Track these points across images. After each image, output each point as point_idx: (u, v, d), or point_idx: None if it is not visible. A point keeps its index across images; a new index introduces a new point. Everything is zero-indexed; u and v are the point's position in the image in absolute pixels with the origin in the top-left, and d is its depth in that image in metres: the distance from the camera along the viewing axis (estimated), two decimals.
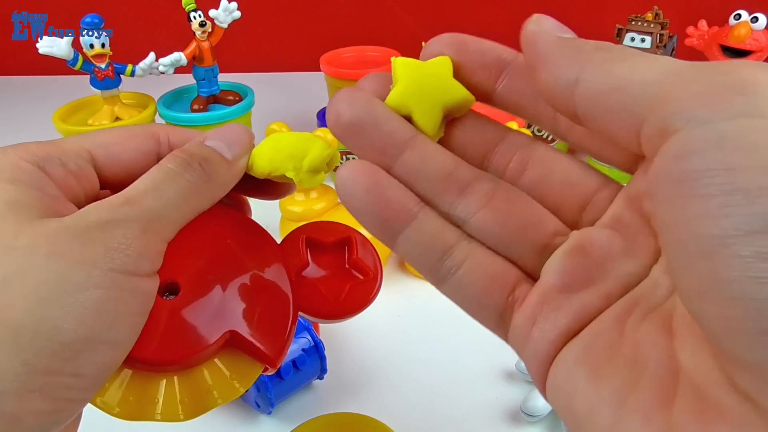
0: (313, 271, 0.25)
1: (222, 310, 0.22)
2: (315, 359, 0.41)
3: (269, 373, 0.22)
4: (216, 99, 0.66)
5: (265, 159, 0.24)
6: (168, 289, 0.22)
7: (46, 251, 0.18)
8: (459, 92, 0.21)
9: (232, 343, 0.22)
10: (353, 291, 0.25)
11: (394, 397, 0.42)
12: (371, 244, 0.26)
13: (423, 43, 0.22)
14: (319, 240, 0.26)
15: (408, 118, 0.21)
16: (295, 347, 0.40)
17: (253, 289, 0.23)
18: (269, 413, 0.41)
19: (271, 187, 0.25)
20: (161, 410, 0.21)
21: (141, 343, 0.20)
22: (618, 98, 0.16)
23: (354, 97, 0.20)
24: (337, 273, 0.25)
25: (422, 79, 0.21)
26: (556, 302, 0.18)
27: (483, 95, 0.21)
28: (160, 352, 0.21)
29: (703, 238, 0.13)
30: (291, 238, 0.25)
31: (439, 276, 0.20)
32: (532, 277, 0.20)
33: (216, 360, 0.22)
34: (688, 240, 0.14)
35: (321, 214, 0.51)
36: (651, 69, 0.16)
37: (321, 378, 0.43)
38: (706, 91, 0.14)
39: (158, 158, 0.22)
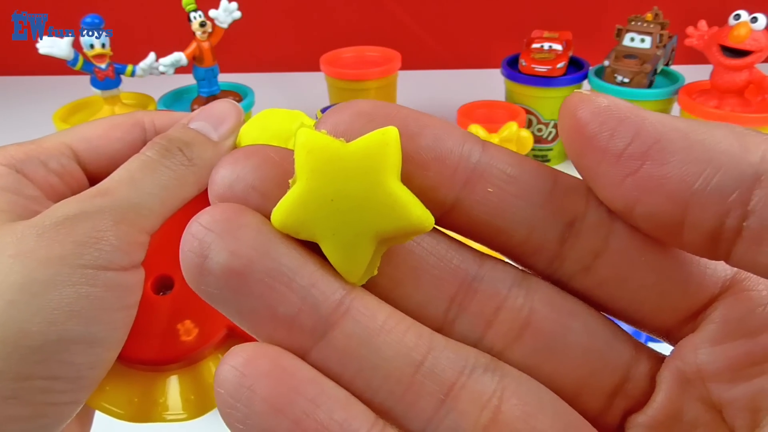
0: None
1: None
2: None
3: None
4: (216, 99, 0.66)
5: (250, 138, 0.22)
6: (162, 283, 0.22)
7: (12, 252, 0.17)
8: (408, 209, 0.12)
9: (233, 336, 0.22)
10: None
11: None
12: None
13: (318, 113, 0.13)
14: None
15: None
16: None
17: None
18: None
19: None
20: (166, 410, 0.21)
21: (138, 343, 0.20)
22: None
23: (235, 223, 0.12)
24: None
25: (343, 179, 0.12)
26: None
27: (438, 207, 0.13)
28: (159, 351, 0.21)
29: None
30: None
31: None
32: None
33: (219, 355, 0.22)
34: None
35: None
36: None
37: None
38: None
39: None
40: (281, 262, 0.12)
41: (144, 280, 0.20)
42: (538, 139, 0.70)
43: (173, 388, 0.21)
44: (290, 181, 0.12)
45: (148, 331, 0.21)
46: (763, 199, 0.11)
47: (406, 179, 0.12)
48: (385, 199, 0.12)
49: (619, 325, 0.14)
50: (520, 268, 0.14)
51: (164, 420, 0.21)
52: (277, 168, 0.13)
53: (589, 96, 0.12)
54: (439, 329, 0.13)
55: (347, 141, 0.12)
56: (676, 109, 0.64)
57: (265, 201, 0.12)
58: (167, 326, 0.21)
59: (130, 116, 0.23)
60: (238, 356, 0.11)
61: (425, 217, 0.12)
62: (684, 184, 0.11)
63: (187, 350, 0.21)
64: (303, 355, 0.12)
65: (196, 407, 0.21)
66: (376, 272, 0.13)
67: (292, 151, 0.12)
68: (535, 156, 0.72)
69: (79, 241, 0.18)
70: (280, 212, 0.12)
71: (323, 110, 0.66)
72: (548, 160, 0.72)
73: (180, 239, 0.21)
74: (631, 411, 0.14)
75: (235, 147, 0.22)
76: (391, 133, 0.12)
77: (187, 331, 0.21)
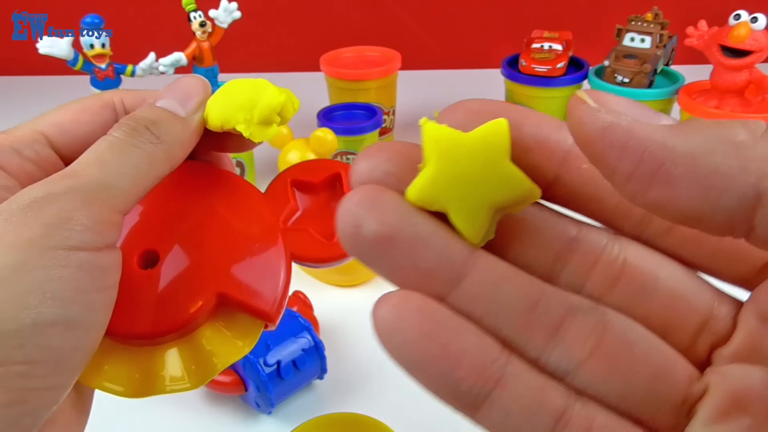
0: (303, 214, 0.24)
1: (208, 272, 0.21)
2: (315, 359, 0.41)
3: (271, 329, 0.22)
4: None
5: (217, 110, 0.22)
6: (149, 259, 0.22)
7: None
8: (519, 183, 0.15)
9: (226, 303, 0.21)
10: None
11: (394, 397, 0.42)
12: None
13: (435, 113, 0.16)
14: (306, 180, 0.25)
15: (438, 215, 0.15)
16: (295, 347, 0.40)
17: (239, 245, 0.22)
18: (269, 413, 0.41)
19: (233, 140, 0.23)
20: (168, 382, 0.21)
21: (131, 319, 0.20)
22: None
23: (379, 200, 0.15)
24: (329, 212, 0.24)
25: (465, 161, 0.15)
26: None
27: (541, 183, 0.15)
28: (153, 324, 0.20)
29: None
30: (276, 183, 0.24)
31: None
32: None
33: (215, 322, 0.22)
34: None
35: None
36: None
37: (321, 378, 0.43)
38: None
39: None
40: (419, 228, 0.15)
41: (122, 260, 0.19)
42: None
43: (173, 359, 0.21)
44: (419, 166, 0.15)
45: (139, 307, 0.21)
46: (765, 218, 0.12)
47: (515, 160, 0.15)
48: (500, 175, 0.15)
49: (700, 276, 0.16)
50: (612, 231, 0.16)
51: (167, 391, 0.21)
52: (406, 157, 0.16)
53: (593, 111, 0.13)
54: (546, 280, 0.16)
55: (464, 132, 0.15)
56: (676, 109, 0.64)
57: (399, 183, 0.15)
58: (158, 300, 0.21)
59: (99, 98, 0.23)
60: (391, 299, 0.15)
61: (534, 190, 0.15)
62: (691, 205, 0.13)
63: (182, 321, 0.21)
64: (441, 300, 0.15)
65: (198, 376, 0.21)
66: (493, 235, 0.15)
67: (417, 144, 0.16)
68: None
69: (47, 223, 0.17)
70: (414, 190, 0.15)
71: (321, 113, 0.66)
72: None
73: (167, 214, 0.21)
74: (716, 346, 0.16)
75: (203, 120, 0.22)
76: (503, 123, 0.15)
77: (193, 301, 0.21)
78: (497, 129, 0.15)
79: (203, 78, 0.23)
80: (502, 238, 0.16)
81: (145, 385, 0.21)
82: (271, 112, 0.22)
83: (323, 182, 0.25)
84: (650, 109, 0.14)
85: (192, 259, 0.21)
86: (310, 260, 0.23)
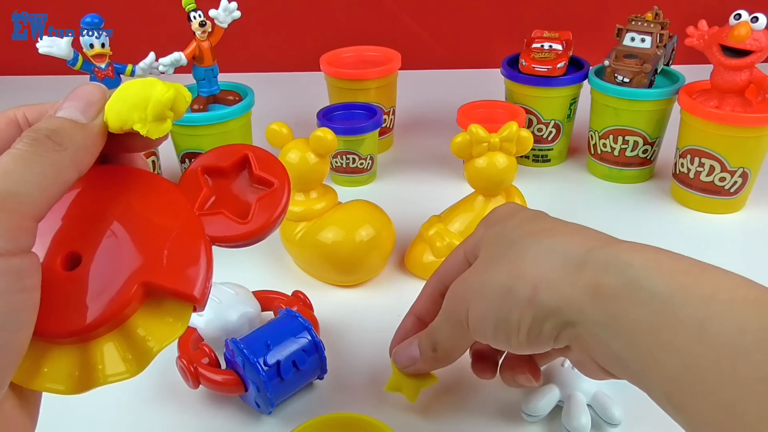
0: (217, 199, 0.25)
1: (131, 265, 0.22)
2: (315, 359, 0.41)
3: (199, 311, 0.23)
4: (216, 99, 0.66)
5: (114, 112, 0.23)
6: (71, 260, 0.22)
7: None
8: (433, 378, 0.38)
9: (153, 291, 0.22)
10: (262, 205, 0.25)
11: (394, 397, 0.42)
12: (271, 156, 0.26)
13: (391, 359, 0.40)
14: (216, 166, 0.26)
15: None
16: (295, 347, 0.40)
17: (159, 236, 0.23)
18: (269, 413, 0.41)
19: (137, 139, 0.24)
20: (108, 373, 0.22)
21: (61, 319, 0.21)
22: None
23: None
24: (242, 193, 0.26)
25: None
26: None
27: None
28: (82, 321, 0.21)
29: None
30: (189, 173, 0.26)
31: None
32: None
33: (145, 310, 0.23)
34: None
35: (321, 214, 0.51)
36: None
37: (321, 378, 0.43)
38: None
39: None
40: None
41: (40, 264, 0.20)
42: (538, 139, 0.70)
43: (109, 351, 0.22)
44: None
45: (68, 306, 0.21)
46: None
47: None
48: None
49: None
50: None
51: (108, 382, 0.22)
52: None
53: (397, 370, 0.36)
54: None
55: None
56: (676, 108, 0.64)
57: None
58: (86, 297, 0.22)
59: (3, 116, 0.24)
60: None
61: (436, 378, 0.40)
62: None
63: (111, 313, 0.22)
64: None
65: (135, 364, 0.22)
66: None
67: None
68: (535, 156, 0.72)
69: None
70: (389, 386, 0.39)
71: (321, 113, 0.66)
72: (549, 160, 0.72)
73: (85, 216, 0.23)
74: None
75: (105, 124, 0.23)
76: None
77: (119, 293, 0.22)
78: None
79: (99, 84, 0.24)
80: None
81: (86, 380, 0.21)
82: (162, 108, 0.23)
83: (233, 166, 0.26)
84: (414, 349, 0.36)
85: (114, 255, 0.22)
86: (228, 241, 0.24)
